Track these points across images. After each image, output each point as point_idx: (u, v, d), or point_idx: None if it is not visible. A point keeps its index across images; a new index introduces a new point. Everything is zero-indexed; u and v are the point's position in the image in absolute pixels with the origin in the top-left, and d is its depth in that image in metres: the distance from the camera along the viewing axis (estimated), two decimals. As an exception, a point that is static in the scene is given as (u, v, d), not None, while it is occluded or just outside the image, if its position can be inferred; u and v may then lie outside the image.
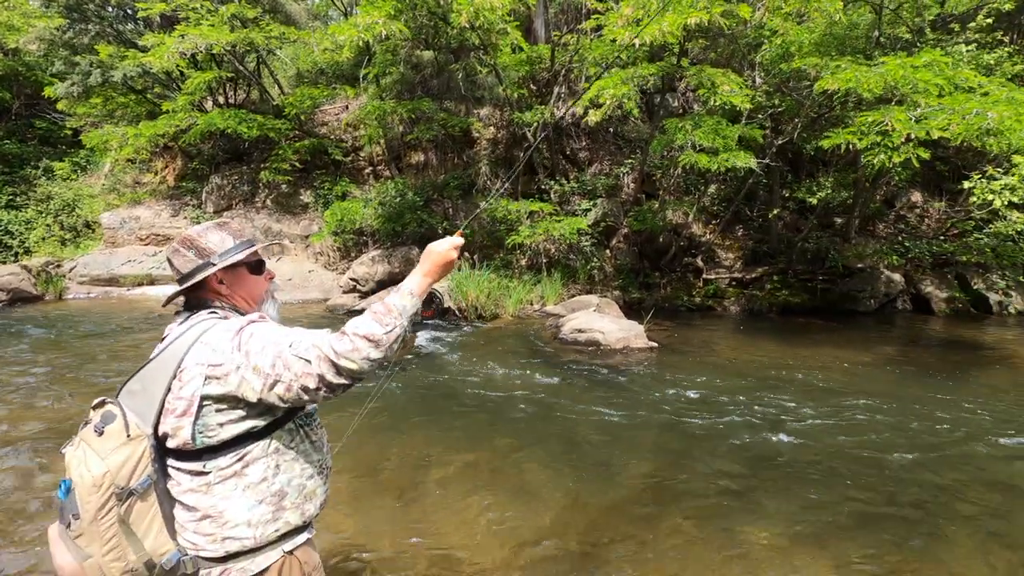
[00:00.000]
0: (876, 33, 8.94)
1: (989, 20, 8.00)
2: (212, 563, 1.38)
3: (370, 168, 12.98)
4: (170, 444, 1.36)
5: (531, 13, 11.52)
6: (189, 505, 1.37)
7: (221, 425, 1.35)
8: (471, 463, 4.05)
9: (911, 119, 6.34)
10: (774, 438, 4.56)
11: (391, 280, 10.23)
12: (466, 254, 10.75)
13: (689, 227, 11.09)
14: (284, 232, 11.97)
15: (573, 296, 9.94)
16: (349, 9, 12.55)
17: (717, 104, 7.81)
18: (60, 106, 13.52)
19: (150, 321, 8.81)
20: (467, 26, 7.75)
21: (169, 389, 1.34)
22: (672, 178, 11.02)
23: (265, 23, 10.96)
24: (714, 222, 11.45)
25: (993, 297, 10.35)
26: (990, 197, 6.34)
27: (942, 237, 10.78)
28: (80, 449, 1.34)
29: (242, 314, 1.51)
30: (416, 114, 10.55)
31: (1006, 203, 6.25)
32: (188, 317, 1.47)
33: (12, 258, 13.22)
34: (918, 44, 8.52)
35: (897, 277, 10.56)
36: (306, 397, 1.32)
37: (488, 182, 11.85)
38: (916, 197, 11.64)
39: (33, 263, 11.09)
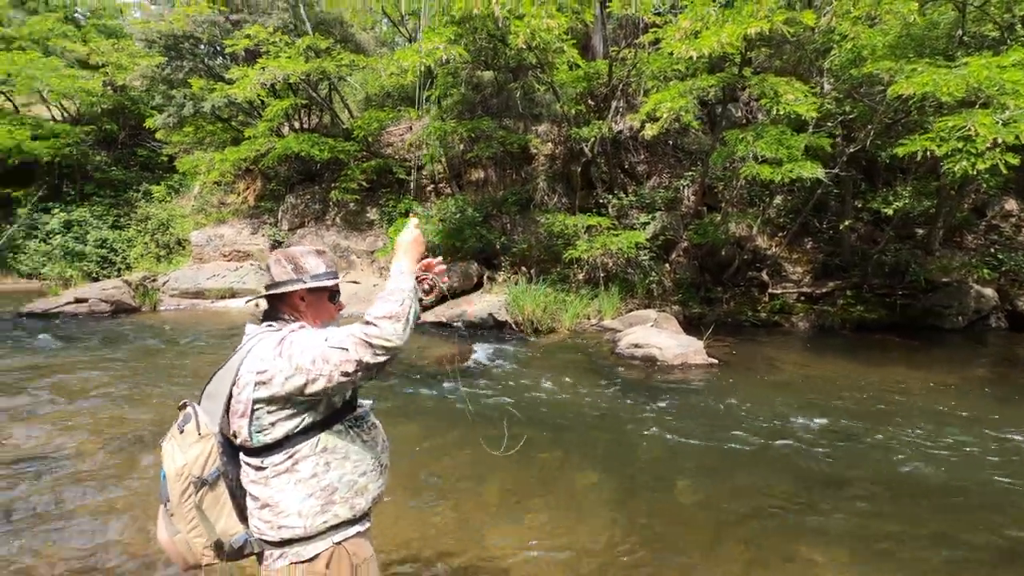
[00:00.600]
0: (959, 32, 8.40)
1: None
2: (272, 547, 1.55)
3: (432, 185, 13.44)
4: (236, 442, 1.56)
5: (589, 30, 11.63)
6: (254, 495, 1.56)
7: (273, 424, 1.52)
8: (523, 475, 4.12)
9: (997, 122, 5.90)
10: (841, 462, 4.34)
11: (451, 294, 10.50)
12: (522, 268, 10.89)
13: (753, 240, 10.72)
14: (351, 248, 12.58)
15: (631, 311, 9.83)
16: (413, 35, 13.15)
17: (781, 114, 7.57)
18: (158, 135, 14.94)
19: (231, 331, 9.50)
20: (524, 47, 7.96)
21: (231, 395, 1.54)
22: (735, 190, 10.71)
23: (336, 52, 11.69)
24: (780, 234, 11.00)
25: (1107, 314, 9.34)
26: None
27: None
28: (169, 443, 1.57)
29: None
30: (476, 133, 10.86)
31: None
32: (254, 331, 1.66)
33: (115, 273, 14.67)
34: (1008, 42, 7.91)
35: (989, 292, 9.73)
36: (347, 380, 1.48)
37: (546, 197, 11.98)
38: (1011, 205, 10.72)
39: (133, 278, 12.23)
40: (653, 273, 10.45)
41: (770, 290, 10.45)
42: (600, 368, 7.13)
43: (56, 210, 15.66)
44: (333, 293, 1.77)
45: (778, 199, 11.14)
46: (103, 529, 3.31)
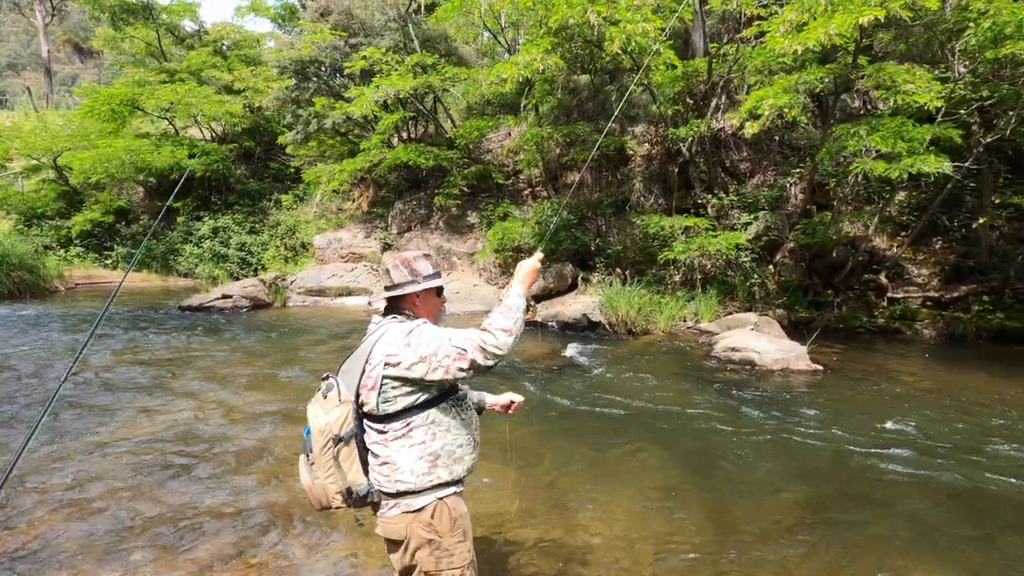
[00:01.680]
0: None
1: None
2: (388, 497, 1.93)
3: (528, 189, 13.86)
4: (365, 409, 1.94)
5: (688, 27, 11.43)
6: (375, 453, 1.94)
7: (395, 398, 1.89)
8: (615, 470, 4.32)
9: None
10: (958, 483, 4.07)
11: (546, 294, 10.84)
12: (617, 270, 10.97)
13: (870, 240, 9.96)
14: (453, 250, 13.34)
15: (731, 314, 9.57)
16: (513, 45, 13.67)
17: (900, 104, 7.04)
18: (288, 150, 16.73)
19: (349, 324, 10.53)
20: (620, 52, 8.07)
21: (363, 371, 1.92)
22: (849, 186, 10.01)
23: (441, 67, 12.47)
24: (903, 234, 10.11)
25: None
26: None
27: None
28: (315, 406, 2.00)
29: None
30: (571, 137, 11.09)
31: None
32: (382, 320, 2.05)
33: (252, 273, 16.65)
34: None
35: None
36: (460, 375, 1.85)
37: (642, 198, 11.93)
38: None
39: (266, 277, 13.87)
40: (755, 275, 10.07)
41: (889, 294, 9.67)
42: (693, 371, 7.08)
43: (206, 218, 18.07)
44: (439, 289, 2.12)
45: (900, 195, 10.23)
46: (246, 484, 3.99)
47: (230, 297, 12.26)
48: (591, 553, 3.17)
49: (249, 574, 2.98)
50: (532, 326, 10.03)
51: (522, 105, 12.92)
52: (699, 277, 10.27)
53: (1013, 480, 4.03)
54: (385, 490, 1.92)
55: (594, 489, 3.95)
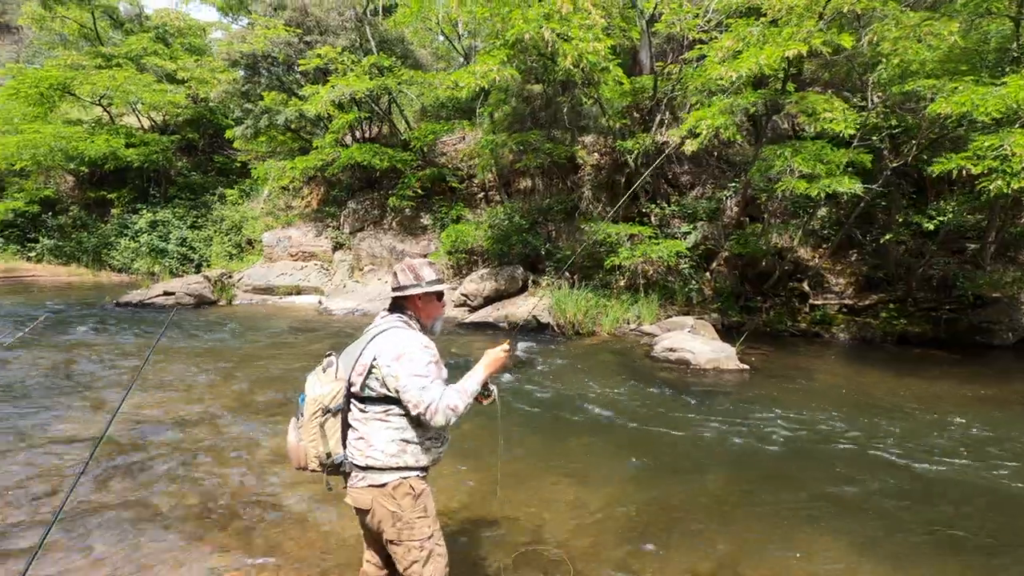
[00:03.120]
0: (1015, 44, 8.39)
1: None
2: (358, 469, 2.19)
3: (482, 193, 14.16)
4: (352, 390, 2.20)
5: (636, 45, 12.07)
6: (354, 428, 2.20)
7: (377, 388, 2.16)
8: (558, 458, 4.67)
9: (1035, 143, 6.03)
10: (851, 467, 4.67)
11: (497, 296, 11.16)
12: (566, 273, 11.43)
13: (795, 251, 10.86)
14: (406, 251, 13.45)
15: (670, 317, 10.19)
16: (469, 51, 13.94)
17: (819, 130, 7.82)
18: (236, 145, 16.32)
19: (300, 323, 10.47)
20: (572, 67, 8.52)
21: (358, 359, 2.20)
22: (777, 201, 10.89)
23: (398, 69, 12.58)
24: (824, 246, 11.09)
25: None
26: None
27: (1104, 266, 9.57)
28: (313, 376, 2.28)
29: (422, 324, 2.34)
30: (524, 145, 11.49)
31: None
32: (388, 315, 2.34)
33: (194, 269, 16.12)
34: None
35: (1042, 309, 9.55)
36: (413, 412, 2.12)
37: (590, 206, 12.47)
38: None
39: (212, 274, 13.52)
40: (693, 281, 10.77)
41: (811, 301, 10.58)
42: (633, 369, 7.58)
43: (143, 211, 17.32)
44: (439, 294, 2.39)
45: (823, 211, 11.21)
46: (221, 472, 4.09)
47: (172, 294, 11.91)
48: (538, 530, 3.51)
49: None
50: (484, 327, 10.34)
51: (477, 111, 13.21)
52: (642, 282, 10.87)
53: (896, 456, 4.66)
54: (356, 462, 2.17)
55: (537, 476, 4.29)
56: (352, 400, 2.22)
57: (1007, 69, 8.02)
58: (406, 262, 2.38)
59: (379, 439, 2.15)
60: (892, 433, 5.33)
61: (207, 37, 21.17)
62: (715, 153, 12.46)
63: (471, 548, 3.30)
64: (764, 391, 6.70)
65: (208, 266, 15.82)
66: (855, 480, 4.35)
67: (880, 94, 9.57)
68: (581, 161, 13.13)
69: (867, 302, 10.34)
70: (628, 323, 10.25)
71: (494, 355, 2.28)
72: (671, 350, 7.81)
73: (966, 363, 8.47)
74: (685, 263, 10.73)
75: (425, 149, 13.79)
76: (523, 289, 11.56)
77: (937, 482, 4.34)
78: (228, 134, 15.34)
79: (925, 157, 9.05)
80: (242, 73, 15.24)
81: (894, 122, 9.26)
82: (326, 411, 2.20)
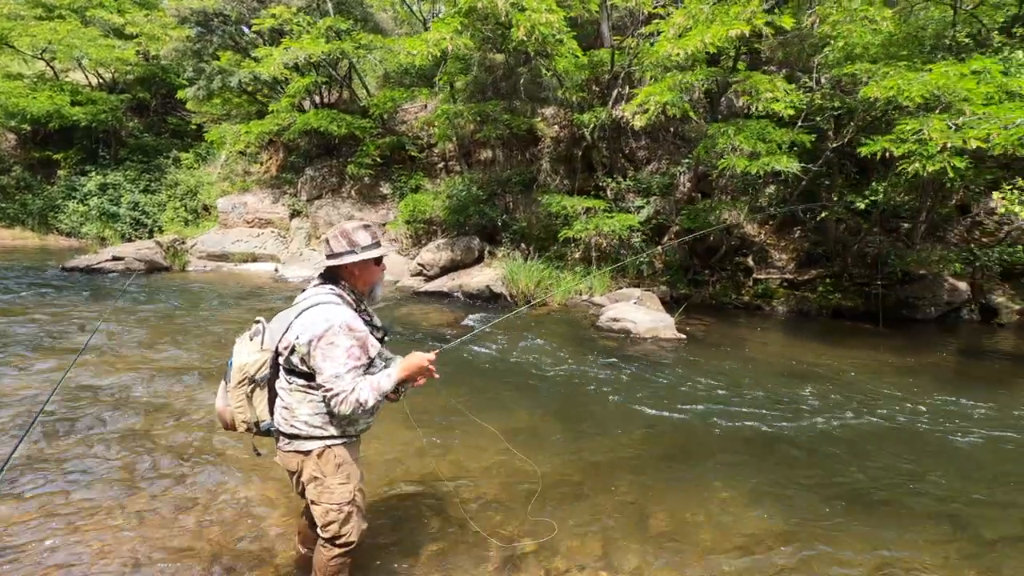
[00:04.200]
0: (953, 30, 8.74)
1: None
2: (284, 437, 2.28)
3: (442, 163, 14.13)
4: (280, 361, 2.27)
5: (598, 18, 12.07)
6: (281, 397, 2.28)
7: (301, 362, 2.18)
8: (491, 419, 4.92)
9: (950, 127, 6.40)
10: (769, 425, 5.06)
11: (453, 266, 11.29)
12: (522, 245, 11.61)
13: (742, 227, 11.26)
14: (364, 220, 13.39)
15: (621, 288, 10.52)
16: (430, 17, 13.69)
17: (762, 110, 8.08)
18: (189, 106, 15.79)
19: (253, 291, 10.43)
20: (524, 38, 8.53)
21: (286, 331, 2.20)
22: (726, 178, 11.21)
23: (356, 33, 12.31)
24: (769, 223, 11.52)
25: (1075, 311, 9.77)
26: (1016, 209, 6.26)
27: (1020, 245, 10.22)
28: (240, 343, 2.34)
29: (358, 294, 2.26)
30: (482, 115, 11.48)
31: None
32: (320, 284, 2.26)
33: (147, 235, 15.73)
34: (987, 47, 8.26)
35: (963, 286, 10.20)
36: (325, 395, 2.12)
37: (548, 178, 12.61)
38: (996, 203, 11.05)
39: (164, 239, 13.25)
40: (644, 255, 11.09)
41: (754, 275, 11.04)
42: (578, 338, 7.89)
43: (92, 173, 16.70)
44: (378, 259, 2.29)
45: (770, 188, 11.61)
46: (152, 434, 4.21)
47: (122, 259, 11.67)
48: (461, 485, 3.76)
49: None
50: (439, 296, 10.50)
51: (437, 80, 13.07)
52: (595, 255, 11.14)
53: (804, 416, 5.07)
54: (283, 430, 2.26)
55: (469, 436, 4.54)
56: (281, 372, 2.25)
57: (939, 56, 8.39)
58: (339, 227, 2.25)
59: (303, 411, 2.20)
60: (807, 398, 5.75)
61: (158, -10, 20.13)
62: (672, 129, 12.67)
63: (396, 509, 3.52)
64: (696, 358, 7.08)
65: (161, 232, 15.45)
66: (758, 440, 4.73)
67: (827, 75, 9.88)
68: (541, 133, 13.19)
69: (806, 277, 10.85)
70: (580, 294, 10.54)
71: (417, 359, 2.20)
72: (615, 320, 8.13)
73: (891, 336, 9.04)
74: (637, 237, 11.02)
75: (385, 116, 13.63)
76: (479, 260, 11.71)
77: (836, 441, 4.75)
78: (180, 94, 14.83)
79: (862, 139, 9.45)
80: (195, 31, 14.64)
81: (837, 104, 9.59)
82: (252, 381, 2.26)
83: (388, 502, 3.51)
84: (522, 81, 11.61)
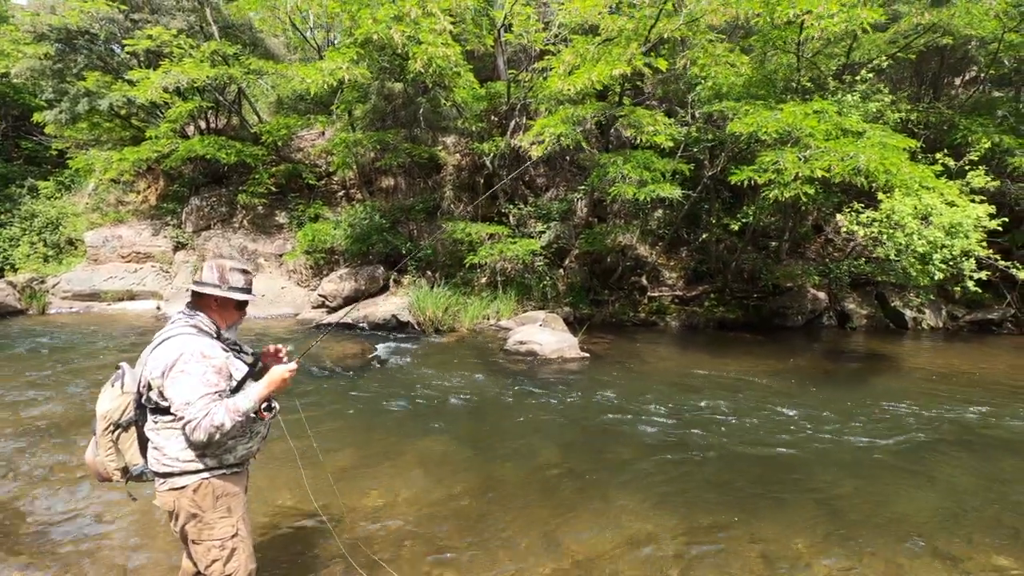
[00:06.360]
0: (798, 75, 10.07)
1: (870, 75, 9.12)
2: (158, 476, 2.20)
3: (343, 191, 13.81)
4: (143, 402, 2.19)
5: (495, 52, 12.55)
6: (150, 439, 2.20)
7: (159, 396, 2.14)
8: (405, 451, 4.85)
9: (800, 159, 7.36)
10: (665, 429, 5.43)
11: (356, 296, 11.01)
12: (428, 272, 11.59)
13: (635, 248, 12.05)
14: (259, 251, 12.71)
15: (527, 312, 10.80)
16: (324, 45, 13.48)
17: (645, 141, 8.80)
18: (48, 130, 14.21)
19: (132, 334, 9.48)
20: (421, 70, 8.69)
21: (143, 371, 2.19)
22: (620, 203, 11.99)
23: (245, 58, 11.82)
24: (659, 244, 12.43)
25: (908, 314, 11.43)
26: (855, 228, 7.35)
27: (863, 259, 11.85)
28: (103, 392, 2.23)
29: (216, 328, 2.26)
30: (382, 143, 11.43)
31: (871, 235, 7.25)
32: (180, 317, 2.25)
33: (-3, 274, 13.76)
34: (825, 91, 9.62)
35: (821, 295, 11.61)
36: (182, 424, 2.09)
37: (452, 205, 12.75)
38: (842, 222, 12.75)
39: (18, 279, 11.69)
40: (548, 278, 11.50)
41: (648, 293, 11.82)
42: (488, 362, 7.98)
43: (-77, 205, 14.40)
44: (240, 304, 2.35)
45: (659, 212, 12.57)
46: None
47: (-37, 303, 10.14)
48: (377, 519, 3.66)
49: None
50: (344, 328, 10.17)
51: (334, 108, 12.86)
52: (501, 279, 11.37)
53: (696, 425, 5.50)
54: (156, 470, 2.18)
55: (384, 469, 4.44)
56: (148, 412, 2.19)
57: (789, 97, 9.64)
58: (219, 260, 2.31)
59: (172, 447, 2.15)
60: (698, 405, 6.23)
61: (7, 1, 18.08)
62: (568, 157, 13.36)
63: (290, 545, 3.36)
64: (599, 375, 7.43)
65: (14, 270, 13.61)
66: (658, 449, 5.06)
67: (700, 111, 10.99)
68: (443, 161, 13.36)
69: (694, 293, 11.80)
70: (488, 319, 10.68)
71: (279, 373, 2.24)
72: (522, 342, 8.33)
73: (765, 343, 10.03)
74: (540, 261, 11.42)
75: (279, 144, 13.12)
76: (384, 289, 11.52)
77: (723, 444, 5.19)
78: (36, 117, 13.31)
79: (732, 168, 10.58)
80: (55, 48, 13.26)
81: (711, 136, 10.68)
82: (116, 426, 2.18)
83: (276, 541, 3.35)
84: (422, 111, 11.74)
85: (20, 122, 16.69)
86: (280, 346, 2.48)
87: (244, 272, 2.33)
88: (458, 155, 13.54)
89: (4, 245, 14.47)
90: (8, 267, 14.02)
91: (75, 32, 12.31)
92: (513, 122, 11.72)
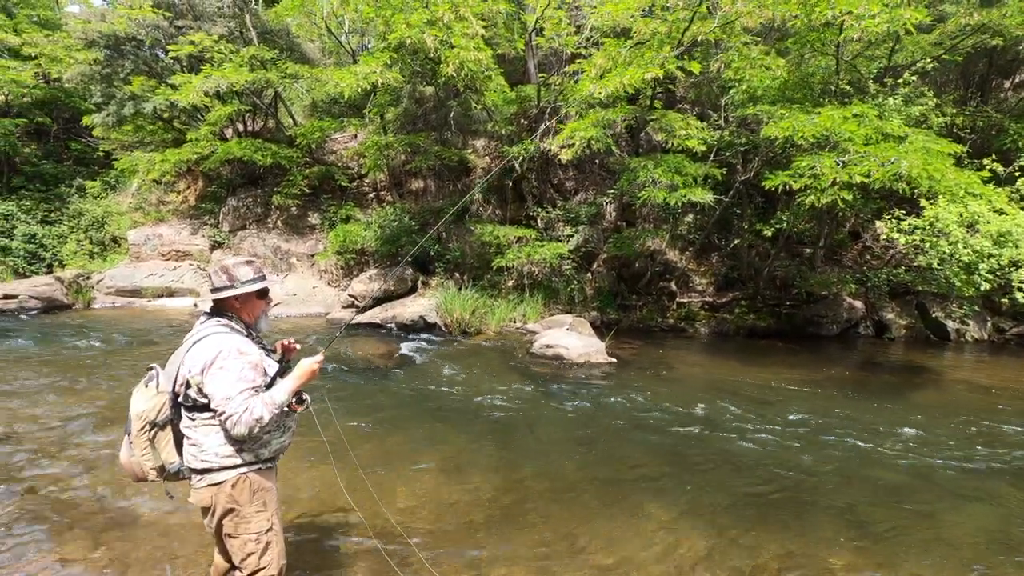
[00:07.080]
0: (836, 78, 9.81)
1: (913, 78, 8.82)
2: (195, 473, 2.25)
3: (373, 193, 14.02)
4: (180, 401, 2.24)
5: (525, 56, 12.58)
6: (187, 436, 2.25)
7: (198, 394, 2.19)
8: (428, 450, 4.89)
9: (838, 164, 7.16)
10: (691, 441, 5.34)
11: (386, 297, 11.15)
12: (456, 274, 11.66)
13: (664, 253, 11.90)
14: (292, 251, 13.00)
15: (554, 315, 10.77)
16: (358, 49, 13.73)
17: (676, 146, 8.69)
18: (96, 132, 14.82)
19: (168, 329, 9.80)
20: (453, 74, 8.76)
21: (179, 368, 2.23)
22: (649, 207, 11.86)
23: (282, 62, 12.12)
24: (689, 249, 12.25)
25: (950, 325, 10.99)
26: (896, 236, 7.10)
27: (903, 267, 11.45)
28: (137, 392, 2.28)
29: (246, 325, 2.33)
30: (412, 147, 11.57)
31: (913, 243, 7.00)
32: (208, 319, 2.32)
33: (45, 269, 14.39)
34: (865, 94, 9.34)
35: (858, 304, 11.25)
36: (221, 419, 2.14)
37: (480, 208, 12.81)
38: (882, 228, 12.35)
39: (66, 275, 12.21)
40: (575, 282, 11.45)
41: (677, 299, 11.66)
42: (514, 365, 7.98)
43: (-20, 203, 15.16)
44: (260, 292, 2.37)
45: (689, 217, 12.39)
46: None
47: (14, 297, 10.68)
48: (406, 516, 3.70)
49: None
50: (373, 328, 10.31)
51: (366, 111, 13.07)
52: (527, 283, 11.37)
53: (725, 432, 5.39)
54: (193, 467, 2.24)
55: (411, 468, 4.48)
56: (183, 410, 2.24)
57: (827, 100, 9.40)
58: (220, 263, 2.35)
59: (211, 443, 2.20)
60: (726, 414, 6.11)
61: (60, 10, 18.95)
62: (597, 161, 13.29)
63: (323, 539, 3.42)
64: (626, 381, 7.35)
65: (62, 266, 14.22)
66: (685, 457, 4.98)
67: (734, 115, 10.80)
68: (472, 164, 13.44)
69: (724, 299, 11.58)
70: (514, 322, 10.69)
71: (307, 366, 2.31)
72: (548, 346, 8.31)
73: (798, 351, 9.78)
74: (568, 264, 11.38)
75: (313, 146, 13.41)
76: (413, 290, 11.64)
77: (752, 453, 5.08)
78: (86, 120, 13.89)
79: (766, 173, 10.36)
80: (103, 54, 13.85)
81: (744, 140, 10.48)
82: (153, 425, 2.23)
83: (309, 533, 3.40)
84: (452, 114, 11.84)
85: (71, 124, 17.46)
86: (289, 340, 2.55)
87: (249, 263, 2.36)
88: (487, 158, 13.61)
89: (53, 242, 15.13)
90: (56, 263, 14.66)
91: (123, 38, 12.82)
92: (543, 125, 11.71)
